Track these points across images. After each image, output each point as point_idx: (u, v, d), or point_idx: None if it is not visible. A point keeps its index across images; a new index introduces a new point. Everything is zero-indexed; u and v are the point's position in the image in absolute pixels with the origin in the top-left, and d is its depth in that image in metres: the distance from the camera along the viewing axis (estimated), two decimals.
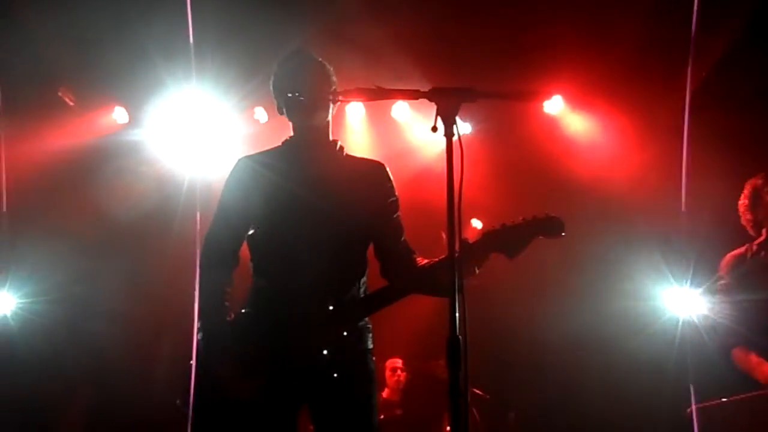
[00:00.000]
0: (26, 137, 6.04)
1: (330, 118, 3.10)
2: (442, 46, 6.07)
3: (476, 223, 6.19)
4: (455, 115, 2.44)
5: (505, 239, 2.91)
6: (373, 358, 3.06)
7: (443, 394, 2.36)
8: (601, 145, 6.63)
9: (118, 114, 6.83)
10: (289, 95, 3.03)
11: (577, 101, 6.63)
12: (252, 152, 3.19)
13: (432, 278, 2.96)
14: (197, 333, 2.97)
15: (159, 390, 5.64)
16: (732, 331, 3.99)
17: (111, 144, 6.79)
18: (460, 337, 2.32)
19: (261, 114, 6.69)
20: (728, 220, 4.53)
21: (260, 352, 2.93)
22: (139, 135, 6.77)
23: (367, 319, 3.05)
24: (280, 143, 3.17)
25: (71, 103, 6.67)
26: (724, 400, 3.76)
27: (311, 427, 3.06)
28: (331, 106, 3.06)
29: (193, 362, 2.96)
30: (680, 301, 5.11)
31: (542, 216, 2.91)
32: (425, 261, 3.07)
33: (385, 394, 7.02)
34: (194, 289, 2.99)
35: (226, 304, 3.03)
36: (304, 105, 3.02)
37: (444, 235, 2.43)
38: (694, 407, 3.74)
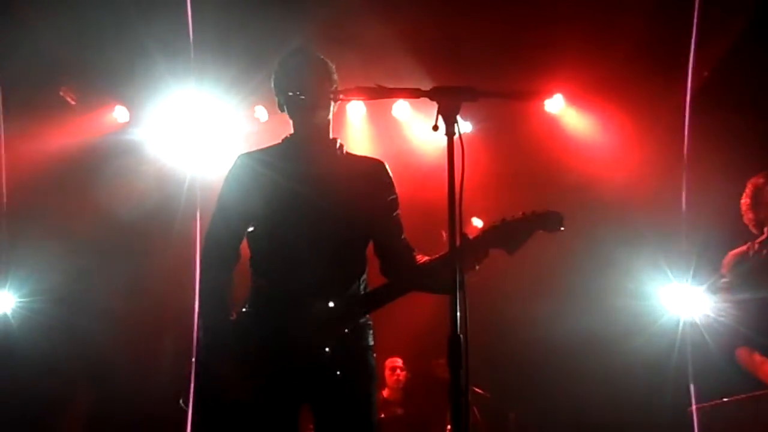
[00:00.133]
0: (27, 136, 6.05)
1: (331, 116, 3.10)
2: (443, 44, 6.07)
3: (477, 222, 6.18)
4: (456, 114, 2.44)
5: (505, 234, 2.91)
6: (374, 355, 3.06)
7: (443, 393, 2.36)
8: (602, 143, 6.64)
9: (119, 113, 6.84)
10: (290, 93, 3.03)
11: (578, 100, 6.63)
12: (252, 150, 3.18)
13: (432, 275, 2.96)
14: (198, 332, 2.97)
15: (159, 389, 5.64)
16: (734, 330, 3.98)
17: (112, 143, 6.80)
18: (461, 335, 2.32)
19: (261, 113, 6.69)
20: (728, 218, 4.53)
21: (261, 350, 2.93)
22: (139, 134, 6.78)
23: (368, 316, 3.05)
24: (280, 141, 3.17)
25: (72, 103, 6.67)
26: (725, 399, 3.76)
27: (311, 426, 3.06)
28: (332, 104, 3.06)
29: (194, 361, 2.95)
30: (681, 300, 5.11)
31: (541, 210, 2.91)
32: (425, 258, 3.07)
33: (385, 393, 7.02)
34: (195, 288, 2.98)
35: (227, 302, 3.03)
36: (305, 103, 3.02)
37: (444, 234, 2.44)
38: (694, 407, 3.73)
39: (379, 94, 2.60)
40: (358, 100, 3.51)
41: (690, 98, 4.05)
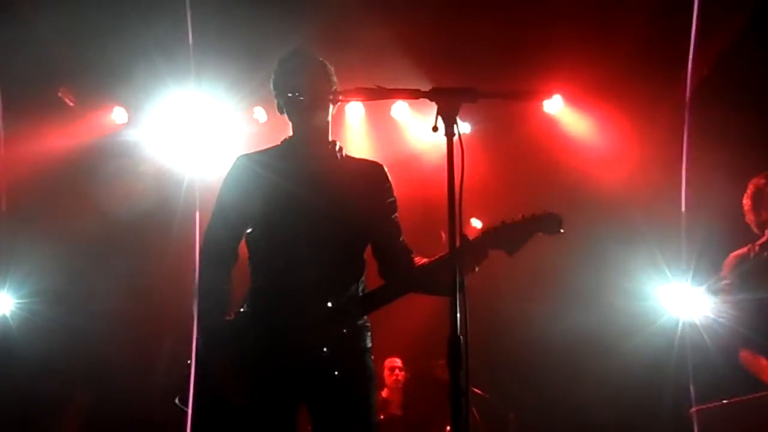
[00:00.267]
0: (26, 137, 6.05)
1: (330, 118, 3.09)
2: (442, 45, 6.07)
3: (476, 223, 6.18)
4: (456, 115, 2.45)
5: (505, 236, 2.92)
6: (372, 357, 3.06)
7: (442, 394, 2.36)
8: (601, 144, 6.64)
9: (118, 114, 6.84)
10: (290, 95, 3.03)
11: (576, 100, 6.63)
12: (251, 151, 3.18)
13: (430, 277, 2.97)
14: (196, 332, 2.97)
15: (158, 389, 5.64)
16: (733, 331, 3.98)
17: (110, 144, 6.80)
18: (461, 336, 2.31)
19: (260, 114, 6.69)
20: (728, 218, 4.52)
21: (259, 350, 2.93)
22: (138, 135, 6.77)
23: (366, 317, 3.05)
24: (279, 142, 3.17)
25: (71, 104, 6.67)
26: (724, 401, 3.75)
27: (309, 428, 3.06)
28: (331, 106, 3.06)
29: (192, 361, 2.95)
30: (680, 301, 5.10)
31: (541, 213, 2.92)
32: (423, 260, 3.07)
33: (384, 393, 7.02)
34: (194, 289, 2.98)
35: (225, 302, 3.03)
36: (304, 104, 3.02)
37: (444, 235, 2.43)
38: (694, 408, 3.73)
39: (378, 94, 2.60)
40: (357, 100, 3.50)
41: (690, 97, 4.04)
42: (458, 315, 2.32)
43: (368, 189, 3.10)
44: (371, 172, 3.16)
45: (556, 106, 6.69)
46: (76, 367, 6.77)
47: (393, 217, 3.15)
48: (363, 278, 3.08)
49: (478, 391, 6.39)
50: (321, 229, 2.98)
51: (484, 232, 2.94)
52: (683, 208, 3.97)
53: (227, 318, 3.00)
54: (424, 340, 6.68)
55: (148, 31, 5.52)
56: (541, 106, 6.65)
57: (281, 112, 3.12)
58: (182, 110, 6.40)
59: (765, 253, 4.09)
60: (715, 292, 4.17)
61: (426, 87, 2.50)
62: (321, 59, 3.11)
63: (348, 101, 3.00)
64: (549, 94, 6.43)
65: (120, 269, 6.60)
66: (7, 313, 6.22)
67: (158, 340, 6.59)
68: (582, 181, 6.43)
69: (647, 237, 5.99)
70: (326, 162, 3.10)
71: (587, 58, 5.91)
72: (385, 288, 3.06)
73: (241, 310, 3.04)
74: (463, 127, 6.45)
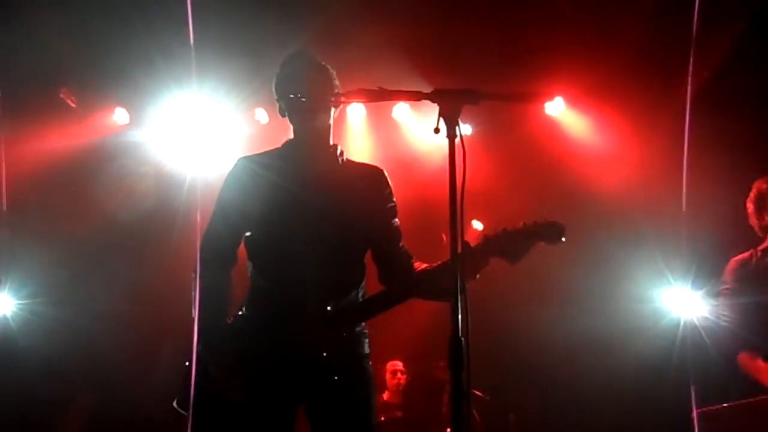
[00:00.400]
0: (27, 138, 6.05)
1: (331, 121, 3.09)
2: (443, 47, 6.08)
3: (477, 225, 6.19)
4: (457, 117, 2.44)
5: (506, 244, 2.89)
6: (370, 363, 3.06)
7: (443, 396, 2.36)
8: (602, 146, 6.63)
9: (119, 115, 6.84)
10: (291, 97, 3.03)
11: (578, 103, 6.63)
12: (252, 153, 3.19)
13: (430, 283, 2.95)
14: (197, 333, 2.97)
15: (159, 390, 5.63)
16: (734, 334, 3.98)
17: (112, 145, 6.80)
18: (462, 338, 2.31)
19: (261, 115, 6.69)
20: (729, 221, 4.52)
21: (258, 351, 2.93)
22: (140, 136, 6.78)
23: (363, 324, 3.04)
24: (280, 145, 3.17)
25: (73, 105, 6.68)
26: (725, 405, 3.75)
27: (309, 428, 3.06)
28: (333, 109, 3.06)
29: (193, 362, 2.95)
30: (681, 303, 5.10)
31: (543, 221, 2.88)
32: (424, 266, 3.07)
33: (385, 396, 7.02)
34: (194, 290, 2.98)
35: (225, 302, 3.03)
36: (306, 107, 3.01)
37: (445, 237, 2.43)
38: (695, 411, 3.73)
39: (380, 96, 2.60)
40: (359, 102, 3.50)
41: (690, 100, 4.04)
42: (459, 317, 2.32)
43: (368, 193, 3.09)
44: (372, 176, 3.15)
45: (557, 109, 6.69)
46: (78, 367, 6.76)
47: (393, 221, 3.14)
48: (363, 284, 3.08)
49: (479, 393, 6.38)
50: (321, 232, 2.97)
51: (486, 239, 2.91)
52: (684, 211, 3.97)
53: (227, 317, 3.01)
54: (425, 342, 6.68)
55: (149, 32, 5.52)
56: (543, 108, 6.65)
57: (283, 116, 3.11)
58: (184, 111, 6.40)
59: (766, 259, 4.08)
60: (714, 296, 4.17)
61: (427, 89, 2.50)
62: (323, 62, 3.10)
63: (349, 102, 2.99)
64: (550, 96, 6.42)
65: (121, 270, 6.60)
66: (8, 314, 6.22)
67: (159, 340, 6.59)
68: (583, 183, 6.43)
69: (648, 239, 5.99)
70: (327, 165, 3.09)
71: (589, 60, 5.92)
72: (385, 294, 3.05)
73: (240, 312, 3.05)
74: (465, 129, 6.47)
